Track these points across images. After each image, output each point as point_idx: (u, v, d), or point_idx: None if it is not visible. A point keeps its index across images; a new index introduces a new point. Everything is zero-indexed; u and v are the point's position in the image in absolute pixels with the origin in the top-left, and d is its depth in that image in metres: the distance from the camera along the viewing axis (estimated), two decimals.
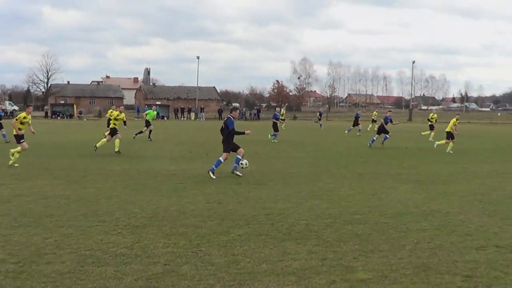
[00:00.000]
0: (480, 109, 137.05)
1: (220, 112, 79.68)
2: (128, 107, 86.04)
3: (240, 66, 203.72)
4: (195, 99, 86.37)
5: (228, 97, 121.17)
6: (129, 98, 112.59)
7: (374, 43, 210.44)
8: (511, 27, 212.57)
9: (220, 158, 14.61)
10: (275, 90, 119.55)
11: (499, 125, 69.60)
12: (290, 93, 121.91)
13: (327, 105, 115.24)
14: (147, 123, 29.31)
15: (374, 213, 10.04)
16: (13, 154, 16.34)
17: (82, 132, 38.52)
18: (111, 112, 27.53)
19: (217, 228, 8.70)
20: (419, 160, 20.64)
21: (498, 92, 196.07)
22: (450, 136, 24.58)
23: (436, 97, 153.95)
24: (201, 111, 79.37)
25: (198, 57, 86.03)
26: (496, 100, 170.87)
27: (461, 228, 8.90)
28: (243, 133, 15.24)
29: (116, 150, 20.85)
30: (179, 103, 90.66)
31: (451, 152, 23.55)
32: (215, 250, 7.40)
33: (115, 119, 21.91)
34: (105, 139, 21.41)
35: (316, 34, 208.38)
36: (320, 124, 48.37)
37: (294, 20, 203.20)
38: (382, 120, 28.14)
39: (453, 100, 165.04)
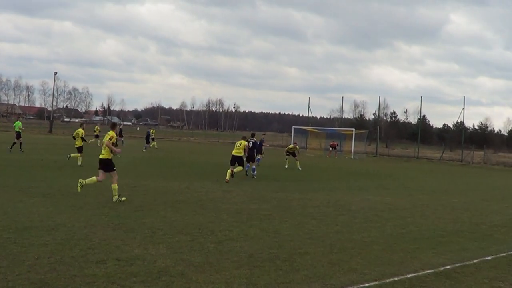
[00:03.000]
0: (123, 123, 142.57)
1: None
2: None
3: None
4: None
5: None
6: None
7: (16, 51, 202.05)
8: (152, 45, 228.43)
9: None
10: None
11: (138, 139, 73.09)
12: None
13: None
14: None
15: None
16: None
17: None
18: None
19: None
20: (52, 172, 20.24)
21: (140, 107, 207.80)
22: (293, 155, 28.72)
23: (79, 109, 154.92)
24: None
25: None
26: (138, 115, 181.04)
27: (84, 242, 8.98)
28: None
29: None
30: None
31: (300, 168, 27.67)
32: None
33: None
34: None
35: None
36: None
37: None
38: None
39: (96, 113, 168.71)
